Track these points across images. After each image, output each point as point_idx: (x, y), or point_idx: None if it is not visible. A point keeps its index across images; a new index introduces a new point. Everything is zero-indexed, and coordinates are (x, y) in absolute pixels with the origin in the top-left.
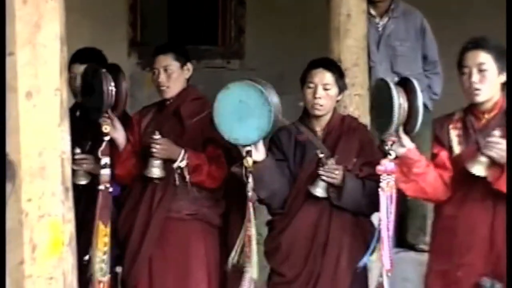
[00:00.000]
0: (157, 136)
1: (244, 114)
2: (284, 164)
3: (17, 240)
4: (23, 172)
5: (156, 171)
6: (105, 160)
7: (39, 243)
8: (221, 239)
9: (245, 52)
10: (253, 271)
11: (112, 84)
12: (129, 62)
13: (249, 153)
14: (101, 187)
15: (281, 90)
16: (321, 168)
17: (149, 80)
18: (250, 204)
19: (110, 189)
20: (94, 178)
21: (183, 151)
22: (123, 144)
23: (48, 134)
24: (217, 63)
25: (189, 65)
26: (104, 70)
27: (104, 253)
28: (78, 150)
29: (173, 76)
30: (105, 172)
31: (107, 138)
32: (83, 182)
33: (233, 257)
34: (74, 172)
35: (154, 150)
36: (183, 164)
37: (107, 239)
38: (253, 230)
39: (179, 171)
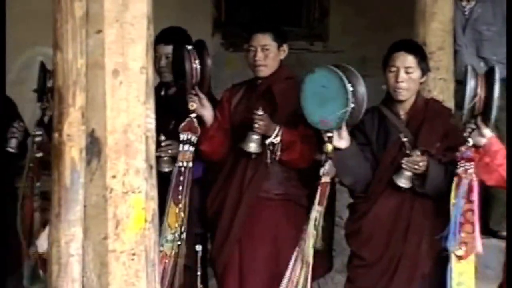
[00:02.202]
0: (260, 112)
1: (325, 99)
2: (367, 148)
3: (101, 215)
4: (108, 149)
5: (253, 146)
6: (184, 136)
7: (123, 219)
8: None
9: (329, 34)
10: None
11: (197, 61)
12: (213, 42)
13: (330, 138)
14: (179, 164)
15: (364, 73)
16: (405, 159)
17: (232, 61)
18: (321, 189)
19: (190, 165)
20: None
21: (278, 127)
22: (210, 121)
23: (133, 111)
24: (300, 44)
25: (285, 47)
26: (189, 47)
27: (175, 231)
28: (163, 137)
29: (270, 56)
30: (185, 149)
31: (193, 115)
32: (167, 169)
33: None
34: (158, 159)
35: (256, 125)
36: (277, 140)
37: (179, 218)
38: (317, 215)
39: (271, 147)
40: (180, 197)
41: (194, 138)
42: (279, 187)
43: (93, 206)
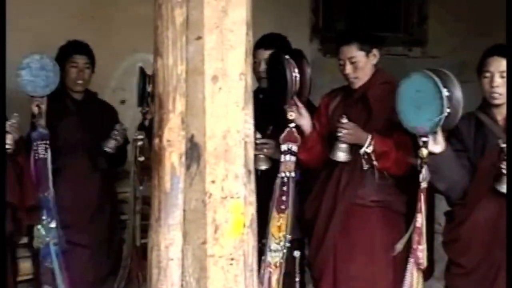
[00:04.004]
0: (344, 120)
1: (421, 104)
2: (464, 154)
3: (200, 220)
4: (207, 154)
5: (341, 155)
6: (285, 146)
7: (221, 224)
8: (407, 226)
9: (428, 39)
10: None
11: (296, 70)
12: (311, 47)
13: (425, 143)
14: (282, 174)
15: (463, 79)
16: (503, 163)
17: (330, 67)
18: (422, 195)
19: (293, 175)
20: (275, 163)
21: (369, 137)
22: (309, 130)
23: (232, 117)
24: (399, 50)
25: (374, 51)
26: (287, 56)
27: (279, 241)
28: (258, 135)
29: (359, 66)
30: (287, 159)
31: (292, 125)
32: (263, 167)
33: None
34: (254, 157)
35: (340, 134)
36: (369, 149)
37: (282, 227)
38: (423, 221)
39: (365, 156)
40: (283, 207)
41: (294, 148)
42: (376, 194)
43: (192, 211)
